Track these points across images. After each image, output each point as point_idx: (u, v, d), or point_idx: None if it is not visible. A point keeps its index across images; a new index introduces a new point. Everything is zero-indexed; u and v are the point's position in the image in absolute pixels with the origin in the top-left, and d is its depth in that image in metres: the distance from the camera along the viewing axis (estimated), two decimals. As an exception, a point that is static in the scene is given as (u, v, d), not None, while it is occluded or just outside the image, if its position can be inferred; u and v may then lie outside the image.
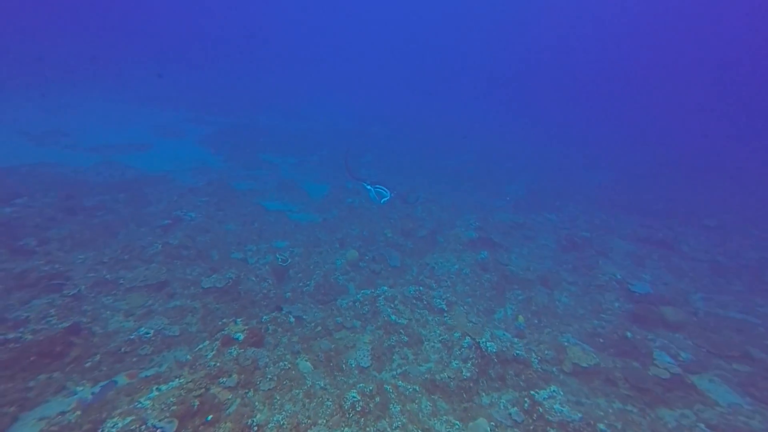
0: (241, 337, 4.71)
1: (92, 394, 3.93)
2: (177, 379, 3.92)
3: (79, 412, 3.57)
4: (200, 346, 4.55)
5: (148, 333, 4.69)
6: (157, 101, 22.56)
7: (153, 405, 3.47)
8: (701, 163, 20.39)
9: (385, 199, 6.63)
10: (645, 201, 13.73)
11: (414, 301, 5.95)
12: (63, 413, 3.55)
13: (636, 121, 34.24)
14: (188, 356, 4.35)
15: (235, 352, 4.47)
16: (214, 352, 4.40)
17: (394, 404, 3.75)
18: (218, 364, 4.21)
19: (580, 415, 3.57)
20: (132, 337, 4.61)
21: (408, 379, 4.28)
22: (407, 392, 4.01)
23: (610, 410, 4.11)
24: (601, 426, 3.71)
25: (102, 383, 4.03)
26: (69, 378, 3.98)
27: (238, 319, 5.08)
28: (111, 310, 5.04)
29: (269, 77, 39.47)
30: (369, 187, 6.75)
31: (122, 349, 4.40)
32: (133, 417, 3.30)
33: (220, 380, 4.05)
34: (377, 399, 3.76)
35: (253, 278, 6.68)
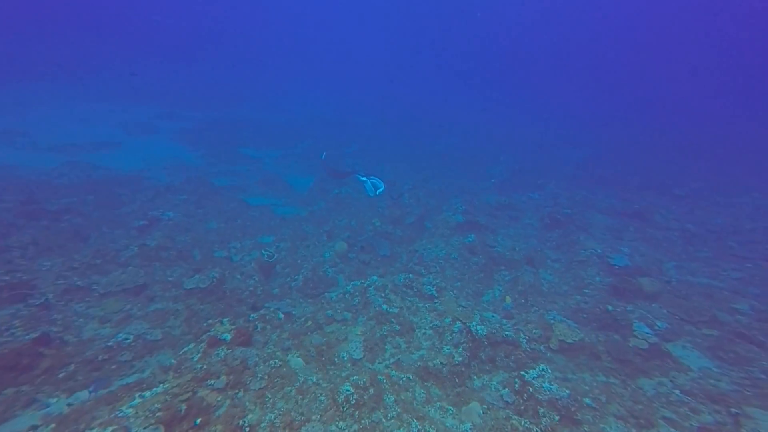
0: (229, 337, 4.58)
1: (90, 392, 3.78)
2: (161, 385, 3.79)
3: (53, 425, 3.41)
4: (185, 349, 4.41)
5: (127, 339, 4.49)
6: (126, 97, 21.26)
7: (136, 413, 3.34)
8: (671, 137, 21.13)
9: (380, 190, 6.51)
10: (621, 175, 14.13)
11: (404, 289, 5.94)
12: (34, 428, 3.38)
13: (612, 99, 34.98)
14: (172, 360, 4.20)
15: (223, 352, 4.35)
16: (200, 355, 4.27)
17: (388, 394, 3.76)
18: (205, 367, 4.09)
19: (568, 392, 3.68)
20: (110, 344, 4.40)
21: (401, 368, 4.29)
22: (401, 381, 4.02)
23: (595, 384, 4.27)
24: (587, 400, 3.84)
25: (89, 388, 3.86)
26: (40, 390, 3.78)
27: (225, 319, 4.93)
28: (84, 317, 4.79)
29: (246, 71, 37.86)
30: (364, 178, 6.59)
31: (99, 357, 4.21)
32: (115, 426, 3.17)
33: (208, 382, 3.94)
34: (371, 390, 3.75)
35: (239, 276, 6.51)
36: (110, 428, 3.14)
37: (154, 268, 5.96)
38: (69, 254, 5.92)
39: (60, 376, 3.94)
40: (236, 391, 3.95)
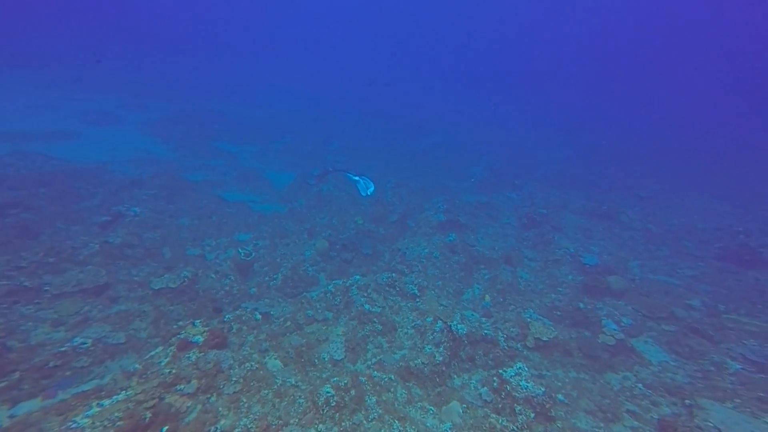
0: (201, 339, 4.34)
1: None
2: (123, 392, 3.53)
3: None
4: (152, 353, 4.13)
5: (84, 343, 4.13)
6: (86, 85, 19.66)
7: (92, 423, 3.08)
8: (636, 142, 22.56)
9: (371, 189, 6.40)
10: (591, 177, 14.89)
11: (387, 288, 5.91)
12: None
13: (585, 104, 36.77)
14: (137, 365, 3.92)
15: (194, 356, 4.12)
16: (168, 359, 4.02)
17: (369, 396, 3.71)
18: (174, 371, 3.86)
19: (543, 389, 3.80)
20: (63, 348, 4.03)
21: (383, 368, 4.25)
22: (382, 382, 3.98)
23: (567, 380, 4.45)
24: (560, 396, 3.99)
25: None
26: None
27: (197, 321, 4.68)
28: (33, 320, 4.36)
29: (221, 63, 36.23)
30: (356, 178, 6.43)
31: (50, 363, 3.84)
32: None
33: (177, 387, 3.72)
34: (352, 392, 3.68)
35: (213, 275, 6.21)
36: (63, 441, 2.88)
37: (118, 267, 5.55)
38: (15, 252, 5.34)
39: (1, 385, 3.55)
40: (208, 395, 3.75)
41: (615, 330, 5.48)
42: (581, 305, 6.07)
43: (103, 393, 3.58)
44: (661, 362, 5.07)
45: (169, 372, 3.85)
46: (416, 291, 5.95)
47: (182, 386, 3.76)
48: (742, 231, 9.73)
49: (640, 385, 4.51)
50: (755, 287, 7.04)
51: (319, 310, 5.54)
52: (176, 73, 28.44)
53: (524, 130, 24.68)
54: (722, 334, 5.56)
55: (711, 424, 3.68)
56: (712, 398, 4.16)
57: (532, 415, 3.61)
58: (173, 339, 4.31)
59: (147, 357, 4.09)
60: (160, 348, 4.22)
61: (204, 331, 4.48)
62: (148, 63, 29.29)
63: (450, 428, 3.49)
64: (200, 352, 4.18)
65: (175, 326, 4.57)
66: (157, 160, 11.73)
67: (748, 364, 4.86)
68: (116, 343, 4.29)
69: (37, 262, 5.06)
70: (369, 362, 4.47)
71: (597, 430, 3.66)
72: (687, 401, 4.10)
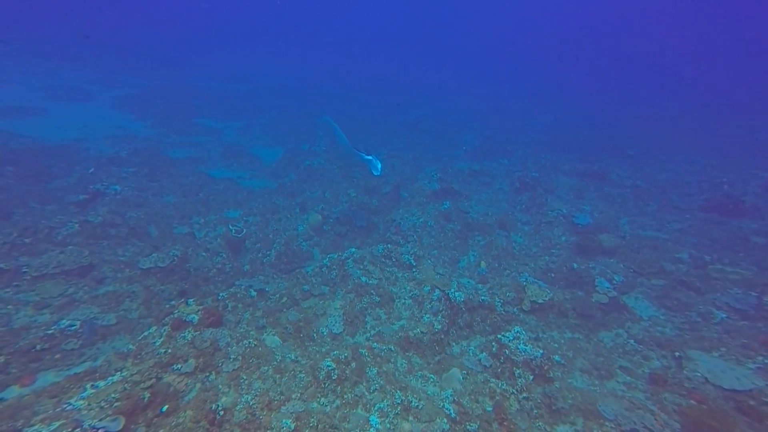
0: (196, 318, 4.26)
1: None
2: (118, 373, 3.46)
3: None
4: (145, 333, 4.05)
5: (72, 325, 4.00)
6: (49, 58, 17.97)
7: (89, 404, 3.02)
8: (624, 104, 22.16)
9: (379, 166, 6.08)
10: (581, 138, 14.72)
11: (383, 260, 5.83)
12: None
13: (571, 69, 35.56)
14: (131, 346, 3.85)
15: (190, 335, 4.05)
16: (163, 338, 3.94)
17: (370, 367, 3.72)
18: (170, 351, 3.79)
19: (541, 351, 3.85)
20: (50, 331, 3.91)
21: (382, 339, 4.26)
22: (382, 353, 3.99)
23: (563, 341, 4.54)
24: (557, 357, 4.07)
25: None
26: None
27: (190, 300, 4.57)
28: (13, 303, 4.18)
29: (198, 37, 33.34)
30: (370, 157, 6.04)
31: (38, 347, 3.73)
32: (63, 421, 2.84)
33: (174, 367, 3.67)
34: (353, 364, 3.69)
35: (204, 253, 6.02)
36: (57, 423, 2.81)
37: (101, 247, 5.31)
38: (-15, 234, 5.05)
39: (-14, 370, 3.45)
40: (207, 374, 3.72)
41: (607, 288, 5.56)
42: (575, 265, 6.12)
43: (96, 375, 3.51)
44: (651, 317, 5.20)
45: (165, 352, 3.79)
46: (412, 261, 5.89)
47: (179, 365, 3.71)
48: (725, 181, 9.81)
49: (631, 341, 4.63)
50: (738, 235, 7.17)
51: (315, 285, 5.47)
52: (148, 44, 26.22)
53: (505, 100, 23.89)
54: (708, 285, 5.69)
55: (699, 374, 3.83)
56: (700, 348, 4.31)
57: (531, 377, 3.69)
58: (167, 319, 4.21)
59: (140, 338, 4.00)
60: (154, 328, 4.13)
61: (198, 310, 4.39)
62: (119, 36, 26.85)
63: (451, 395, 3.56)
64: (196, 331, 4.11)
65: (167, 306, 4.45)
66: (135, 137, 11.06)
67: (733, 313, 5.03)
68: (106, 324, 4.17)
69: (10, 243, 4.77)
70: (368, 334, 4.47)
71: (592, 387, 3.78)
72: (676, 353, 4.24)
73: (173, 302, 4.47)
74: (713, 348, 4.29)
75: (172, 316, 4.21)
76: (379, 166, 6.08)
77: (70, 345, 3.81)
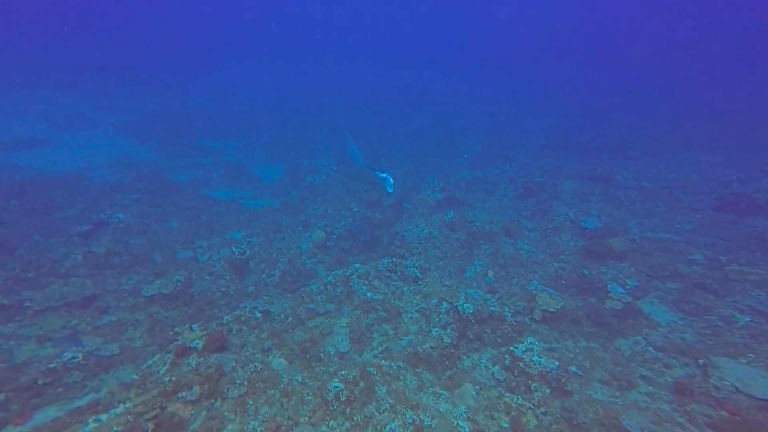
0: (200, 344, 4.18)
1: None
2: (121, 404, 3.38)
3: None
4: (149, 362, 3.97)
5: (75, 357, 3.95)
6: (51, 87, 18.61)
7: (92, 442, 2.94)
8: (623, 105, 22.21)
9: (392, 182, 6.08)
10: (582, 141, 14.63)
11: (388, 274, 5.73)
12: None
13: (569, 70, 35.99)
14: (134, 376, 3.77)
15: (194, 361, 3.96)
16: (167, 366, 3.86)
17: (379, 386, 3.59)
18: (174, 379, 3.70)
19: (557, 363, 3.70)
20: (52, 365, 3.85)
21: (390, 356, 4.14)
22: (391, 371, 3.87)
23: (578, 350, 4.36)
24: (573, 368, 3.90)
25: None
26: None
27: (194, 325, 4.51)
28: (16, 338, 4.14)
29: (196, 58, 34.50)
30: (384, 174, 6.01)
31: (39, 381, 3.66)
32: None
33: (179, 395, 3.57)
34: (361, 384, 3.56)
35: (207, 277, 5.99)
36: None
37: (105, 277, 5.30)
38: (-11, 270, 5.06)
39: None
40: (212, 401, 3.62)
41: (621, 293, 5.39)
42: (585, 271, 5.97)
43: (99, 407, 3.42)
44: (669, 322, 5.00)
45: (169, 380, 3.70)
46: (418, 273, 5.80)
47: (184, 393, 3.61)
48: (735, 179, 9.62)
49: (650, 348, 4.44)
50: (753, 234, 6.94)
51: (321, 303, 5.38)
52: (148, 69, 27.09)
53: (503, 105, 24.14)
54: (727, 287, 5.47)
55: (728, 383, 3.63)
56: (725, 355, 4.10)
57: (548, 390, 3.53)
58: (170, 346, 4.14)
59: (144, 366, 3.93)
60: (158, 356, 4.06)
61: (202, 335, 4.31)
62: (119, 64, 27.82)
63: (464, 412, 3.40)
64: (200, 357, 4.02)
65: (171, 332, 4.38)
66: (137, 163, 11.25)
67: (757, 316, 4.80)
68: (110, 354, 4.10)
69: (14, 278, 4.78)
70: (376, 351, 4.35)
71: (613, 399, 3.60)
72: (700, 360, 4.04)
73: (177, 329, 4.40)
74: (740, 354, 4.08)
75: (176, 343, 4.14)
76: (392, 182, 6.06)
77: (72, 378, 3.73)
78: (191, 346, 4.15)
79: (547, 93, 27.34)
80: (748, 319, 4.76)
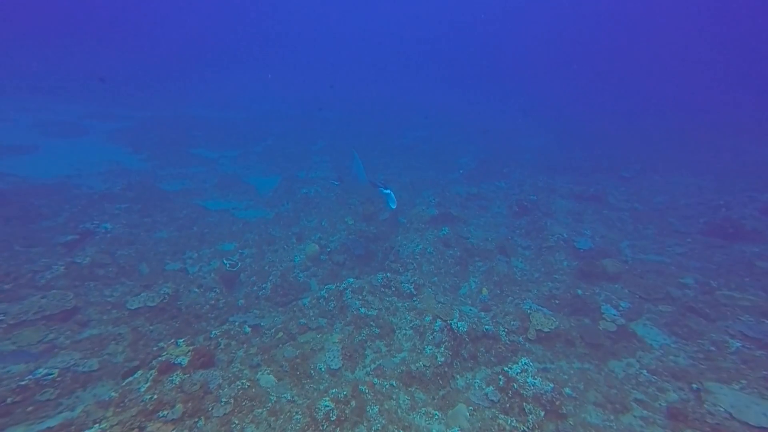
0: (185, 360, 4.01)
1: None
2: (96, 425, 3.18)
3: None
4: (130, 378, 3.78)
5: (50, 374, 3.73)
6: (44, 93, 18.47)
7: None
8: (616, 123, 23.01)
9: (394, 200, 6.08)
10: (576, 160, 14.98)
11: (382, 289, 5.67)
12: None
13: (563, 87, 37.33)
14: (113, 393, 3.57)
15: (178, 378, 3.79)
16: (149, 384, 3.68)
17: (371, 405, 3.48)
18: (156, 397, 3.53)
19: (551, 385, 3.65)
20: (24, 382, 3.63)
21: (383, 374, 4.03)
22: (384, 389, 3.76)
23: (572, 372, 4.32)
24: (567, 390, 3.85)
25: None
26: None
27: (180, 340, 4.34)
28: None
29: (192, 66, 34.87)
30: (388, 191, 6.00)
31: (8, 400, 3.45)
32: None
33: (160, 414, 3.40)
34: (353, 403, 3.45)
35: (196, 289, 5.83)
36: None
37: (88, 289, 5.10)
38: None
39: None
40: (196, 419, 3.45)
41: (615, 315, 5.41)
42: (579, 291, 5.99)
43: (72, 428, 3.22)
44: (662, 345, 5.00)
45: (150, 398, 3.52)
46: (412, 289, 5.75)
47: (165, 412, 3.44)
48: (722, 204, 9.91)
49: (644, 372, 4.42)
50: (742, 260, 7.12)
51: (313, 318, 5.26)
52: (144, 76, 27.21)
53: (499, 121, 24.79)
54: (718, 311, 5.54)
55: (722, 409, 3.61)
56: (718, 380, 4.10)
57: (542, 413, 3.46)
58: (154, 362, 3.96)
59: (124, 383, 3.73)
60: (140, 372, 3.87)
61: (188, 351, 4.15)
62: (111, 67, 27.90)
63: (458, 434, 3.31)
64: (185, 374, 3.86)
65: (155, 348, 4.21)
66: (128, 171, 11.10)
67: (748, 341, 4.85)
68: (88, 370, 3.90)
69: (-10, 290, 4.57)
70: (368, 369, 4.24)
71: (608, 423, 3.54)
72: (693, 385, 4.03)
73: (162, 344, 4.23)
74: (732, 380, 4.08)
75: (159, 358, 3.97)
76: (395, 198, 6.06)
77: (45, 395, 3.52)
78: (176, 362, 3.98)
79: (544, 108, 28.17)
80: (739, 344, 4.80)
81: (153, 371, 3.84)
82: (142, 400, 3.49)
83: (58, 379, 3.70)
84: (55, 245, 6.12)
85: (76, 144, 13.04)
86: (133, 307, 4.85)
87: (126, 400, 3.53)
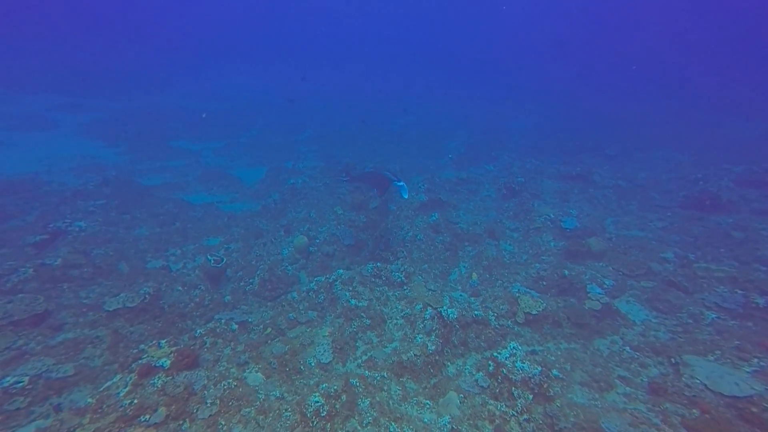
0: (168, 363, 3.88)
1: None
2: (72, 433, 3.07)
3: None
4: (108, 383, 3.65)
5: (20, 381, 3.57)
6: (4, 84, 17.23)
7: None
8: (602, 103, 23.09)
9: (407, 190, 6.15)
10: (562, 140, 15.04)
11: (373, 279, 5.60)
12: None
13: (547, 70, 37.06)
14: (89, 399, 3.44)
15: (161, 381, 3.68)
16: (128, 388, 3.55)
17: (362, 398, 3.45)
18: (136, 401, 3.42)
19: (539, 368, 3.69)
20: (-9, 392, 3.45)
21: (374, 365, 4.00)
22: (375, 381, 3.73)
23: (559, 352, 4.38)
24: (555, 371, 3.90)
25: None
26: None
27: (163, 341, 4.20)
28: None
29: (173, 54, 33.02)
30: (401, 183, 5.93)
31: None
32: None
33: (141, 418, 3.30)
34: (344, 397, 3.41)
35: (180, 287, 5.64)
36: None
37: (61, 291, 4.86)
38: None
39: None
40: (180, 422, 3.36)
41: (599, 293, 5.49)
42: (566, 272, 6.05)
43: (47, 438, 3.10)
44: (643, 321, 5.13)
45: (130, 402, 3.41)
46: (403, 278, 5.70)
47: (147, 416, 3.34)
48: (700, 177, 10.15)
49: (627, 348, 4.53)
50: (718, 231, 7.32)
51: (302, 311, 5.18)
52: (118, 65, 25.71)
53: (486, 105, 24.55)
54: (695, 284, 5.70)
55: (698, 381, 3.73)
56: (695, 352, 4.23)
57: (530, 396, 3.51)
58: (134, 365, 3.83)
59: (102, 388, 3.60)
60: (119, 376, 3.73)
61: (171, 352, 4.02)
62: (82, 55, 26.21)
63: (449, 422, 3.32)
64: (167, 376, 3.74)
65: (135, 350, 4.05)
66: (104, 166, 10.58)
67: (722, 312, 5.02)
68: (62, 376, 3.74)
69: (-50, 298, 4.29)
70: (359, 361, 4.20)
71: (593, 402, 3.61)
72: (672, 359, 4.15)
73: (143, 346, 4.07)
74: (708, 351, 4.22)
75: (139, 361, 3.83)
76: (406, 188, 6.08)
77: (16, 404, 3.36)
78: (157, 364, 3.85)
79: (530, 91, 27.98)
80: (714, 315, 4.96)
81: (132, 375, 3.71)
82: (122, 405, 3.37)
83: (29, 386, 3.53)
84: (23, 246, 5.79)
85: (45, 138, 12.31)
86: (111, 309, 4.65)
87: (104, 406, 3.41)
